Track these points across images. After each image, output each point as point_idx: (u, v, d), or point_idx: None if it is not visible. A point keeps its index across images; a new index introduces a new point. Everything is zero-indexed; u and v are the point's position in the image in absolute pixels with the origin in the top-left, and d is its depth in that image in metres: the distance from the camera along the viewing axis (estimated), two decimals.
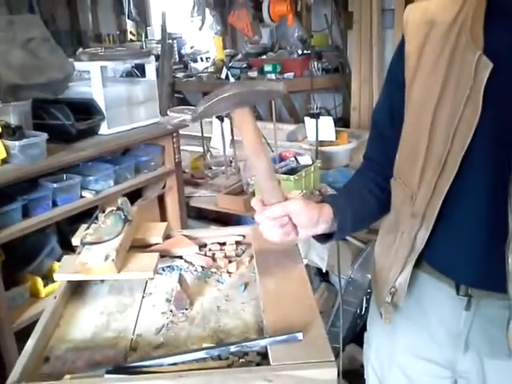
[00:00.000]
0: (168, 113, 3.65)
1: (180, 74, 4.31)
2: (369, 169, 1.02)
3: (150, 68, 2.16)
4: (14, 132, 1.58)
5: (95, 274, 0.89)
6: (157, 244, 1.03)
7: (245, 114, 0.81)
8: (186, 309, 0.86)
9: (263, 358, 0.71)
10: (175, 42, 4.58)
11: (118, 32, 5.58)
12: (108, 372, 0.68)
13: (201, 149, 2.59)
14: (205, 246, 1.06)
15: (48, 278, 1.76)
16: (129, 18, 5.31)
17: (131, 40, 5.31)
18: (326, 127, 2.29)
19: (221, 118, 2.33)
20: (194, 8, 4.13)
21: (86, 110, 1.89)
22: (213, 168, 2.48)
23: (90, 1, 5.66)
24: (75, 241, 1.00)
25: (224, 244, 1.06)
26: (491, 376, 0.87)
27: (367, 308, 2.06)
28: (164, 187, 2.20)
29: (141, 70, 3.11)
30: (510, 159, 0.74)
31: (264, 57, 4.08)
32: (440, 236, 0.85)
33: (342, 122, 3.88)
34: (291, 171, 2.02)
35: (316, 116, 2.27)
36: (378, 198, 0.97)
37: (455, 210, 0.82)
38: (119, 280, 0.94)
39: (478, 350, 0.87)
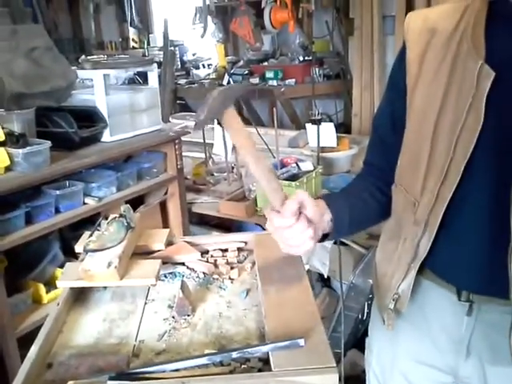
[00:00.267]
0: (170, 119, 3.67)
1: (182, 81, 4.33)
2: (369, 174, 1.03)
3: (153, 76, 2.18)
4: (17, 140, 1.59)
5: (98, 281, 0.90)
6: (159, 251, 1.03)
7: (232, 114, 0.82)
8: (188, 315, 0.86)
9: (265, 364, 0.71)
10: (177, 49, 4.61)
11: (120, 39, 5.61)
12: (111, 378, 0.68)
13: (203, 155, 2.60)
14: (207, 252, 1.07)
15: (50, 285, 1.76)
16: (131, 26, 5.35)
17: (133, 47, 5.34)
18: (327, 133, 2.30)
19: (223, 125, 2.33)
20: (196, 15, 4.16)
21: (88, 117, 1.91)
22: (215, 174, 2.49)
23: (92, 8, 5.70)
24: (78, 248, 1.01)
25: (226, 250, 1.07)
26: (493, 382, 0.87)
27: (369, 313, 2.06)
28: (166, 193, 2.21)
29: (143, 76, 3.12)
30: (511, 165, 0.75)
31: (265, 63, 4.10)
32: (442, 243, 0.85)
33: (343, 127, 3.89)
34: (293, 177, 2.02)
35: (317, 122, 2.28)
36: (379, 201, 0.98)
37: (457, 217, 0.83)
38: (122, 287, 0.95)
39: (479, 356, 0.87)
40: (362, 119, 3.71)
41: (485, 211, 0.80)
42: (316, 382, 0.66)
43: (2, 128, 1.61)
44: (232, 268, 1.00)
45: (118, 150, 1.92)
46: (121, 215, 1.01)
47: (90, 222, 1.88)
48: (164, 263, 1.00)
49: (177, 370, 0.70)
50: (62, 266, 1.81)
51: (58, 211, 1.73)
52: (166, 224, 2.28)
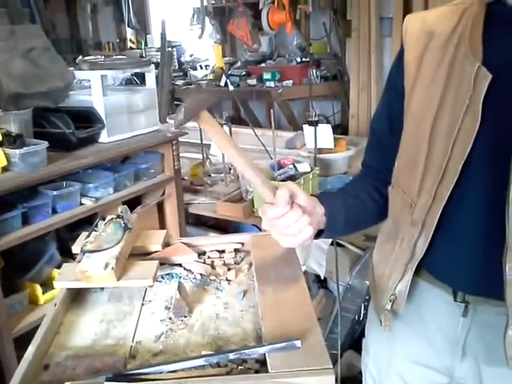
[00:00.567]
0: (167, 120, 3.67)
1: (179, 82, 4.33)
2: (367, 175, 1.03)
3: (150, 76, 2.18)
4: (14, 140, 1.59)
5: (95, 282, 0.90)
6: (156, 252, 1.03)
7: (207, 116, 0.84)
8: (185, 316, 0.86)
9: (262, 365, 0.71)
10: (175, 49, 4.60)
11: (117, 40, 5.60)
12: (108, 379, 0.68)
13: (200, 156, 2.60)
14: (204, 253, 1.07)
15: (47, 285, 1.76)
16: (129, 26, 5.35)
17: (131, 48, 5.34)
18: (324, 135, 2.31)
19: (220, 126, 2.34)
20: (194, 16, 4.16)
21: (86, 118, 1.91)
22: (212, 175, 2.49)
23: (90, 9, 5.69)
24: (75, 249, 1.01)
25: (223, 252, 1.07)
26: (488, 383, 0.87)
27: (365, 314, 2.06)
28: (163, 194, 2.22)
29: (140, 77, 3.13)
30: (508, 168, 0.75)
31: (263, 65, 4.11)
32: (439, 244, 0.86)
33: (341, 128, 3.89)
34: (290, 178, 2.03)
35: (315, 124, 2.28)
36: (376, 202, 0.98)
37: (454, 219, 0.83)
38: (119, 288, 0.95)
39: (475, 357, 0.87)
40: (360, 120, 3.72)
41: (481, 212, 0.81)
42: (313, 383, 0.66)
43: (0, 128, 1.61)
44: (229, 269, 1.00)
45: (115, 151, 1.92)
46: (118, 216, 1.01)
47: (86, 222, 1.88)
48: (161, 264, 1.00)
49: (174, 371, 0.71)
50: (58, 267, 1.81)
51: (54, 212, 1.73)
52: (162, 225, 2.28)
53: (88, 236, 0.98)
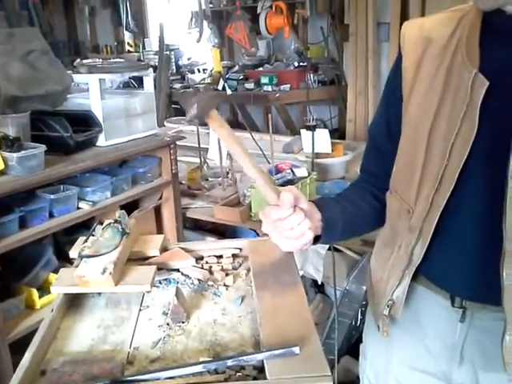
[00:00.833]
0: (165, 123, 3.67)
1: (177, 85, 4.34)
2: (365, 181, 1.03)
3: (148, 80, 2.18)
4: (12, 143, 1.59)
5: (92, 287, 0.89)
6: (154, 257, 1.03)
7: (216, 115, 0.84)
8: (183, 322, 0.86)
9: (260, 371, 0.71)
10: (173, 53, 4.61)
11: (115, 43, 5.61)
12: None
13: (197, 160, 2.60)
14: (201, 258, 1.06)
15: (43, 290, 1.76)
16: (127, 29, 5.36)
17: (129, 51, 5.35)
18: (322, 139, 2.31)
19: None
20: (192, 20, 4.17)
21: (84, 121, 1.91)
22: (209, 179, 2.49)
23: (88, 12, 5.70)
24: (73, 253, 1.00)
25: (221, 257, 1.06)
26: None
27: (362, 320, 2.06)
28: (161, 198, 2.21)
29: (138, 80, 3.13)
30: (505, 175, 0.75)
31: (261, 69, 4.12)
32: (436, 250, 0.86)
33: (338, 133, 3.91)
34: (287, 183, 2.03)
35: (312, 128, 2.28)
36: (374, 207, 0.98)
37: (451, 225, 0.84)
38: (116, 293, 0.94)
39: (472, 362, 0.87)
40: (357, 125, 3.73)
41: (478, 218, 0.81)
42: None
43: None
44: (227, 275, 1.00)
45: (113, 155, 1.91)
46: (116, 221, 1.01)
47: (84, 226, 1.88)
48: (159, 269, 0.99)
49: (171, 378, 0.70)
50: (55, 271, 1.80)
51: (52, 215, 1.73)
52: (160, 229, 2.28)
53: (85, 241, 0.98)
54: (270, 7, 3.87)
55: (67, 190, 1.76)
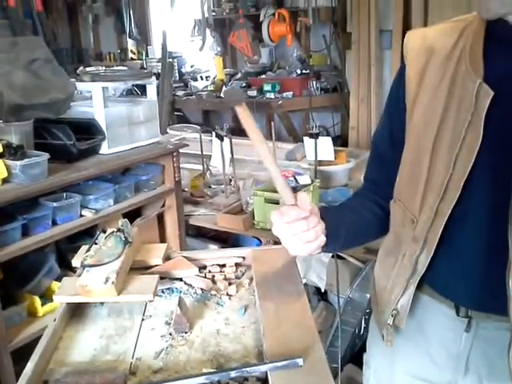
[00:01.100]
0: (168, 131, 3.67)
1: (180, 93, 4.35)
2: (368, 189, 1.03)
3: (151, 88, 2.19)
4: (15, 151, 1.59)
5: (95, 297, 0.89)
6: (157, 266, 1.03)
7: (245, 107, 0.82)
8: (186, 332, 0.86)
9: (263, 383, 0.71)
10: (175, 60, 4.63)
11: (118, 50, 5.63)
12: None
13: (200, 167, 2.60)
14: (204, 267, 1.06)
15: (46, 298, 1.75)
16: (130, 37, 5.37)
17: (132, 58, 5.36)
18: (324, 147, 2.31)
19: (220, 138, 2.35)
20: (195, 28, 4.19)
21: (87, 129, 1.91)
22: (212, 186, 2.48)
23: (91, 19, 5.73)
24: (75, 262, 1.00)
25: (224, 266, 1.06)
26: None
27: (366, 328, 2.05)
28: (163, 206, 2.21)
29: (141, 87, 3.14)
30: (510, 184, 0.75)
31: (263, 76, 4.13)
32: (441, 259, 0.86)
33: (341, 140, 3.91)
34: None
35: (315, 136, 2.29)
36: (378, 216, 0.98)
37: (456, 234, 0.83)
38: (119, 302, 0.94)
39: (478, 373, 0.87)
40: (359, 132, 3.73)
41: (484, 228, 0.81)
42: None
43: (0, 140, 1.61)
44: (230, 284, 1.00)
45: (115, 163, 1.92)
46: (118, 229, 1.01)
47: (86, 234, 1.87)
48: (161, 278, 0.99)
49: None
50: (57, 279, 1.80)
51: (54, 223, 1.73)
52: (162, 236, 2.28)
53: (88, 250, 0.98)
54: (273, 15, 3.89)
55: (70, 198, 1.76)
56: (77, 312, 0.95)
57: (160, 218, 2.26)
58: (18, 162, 1.57)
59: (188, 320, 0.86)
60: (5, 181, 1.60)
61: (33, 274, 1.75)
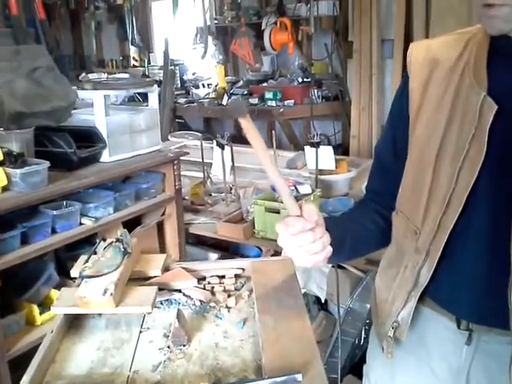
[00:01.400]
0: (169, 138, 3.68)
1: (182, 100, 4.36)
2: (371, 200, 1.03)
3: (153, 97, 2.19)
4: (15, 159, 1.59)
5: (93, 308, 0.89)
6: (155, 277, 1.02)
7: (249, 119, 0.82)
8: (184, 345, 0.85)
9: None
10: (177, 68, 4.65)
11: (121, 57, 5.66)
12: None
13: (201, 174, 2.60)
14: (204, 279, 1.05)
15: (44, 306, 1.74)
16: (132, 44, 5.40)
17: (134, 66, 5.39)
18: (325, 156, 2.31)
19: (221, 146, 2.35)
20: (197, 36, 4.21)
21: (88, 137, 1.91)
22: (213, 195, 2.48)
23: (94, 26, 5.76)
24: (74, 272, 0.99)
25: (223, 277, 1.05)
26: None
27: (366, 338, 2.04)
28: (163, 214, 2.20)
29: (143, 94, 3.15)
30: None
31: (265, 84, 4.14)
32: (443, 272, 0.85)
33: (342, 148, 3.91)
34: None
35: (316, 145, 2.28)
36: (380, 227, 0.98)
37: (459, 247, 0.83)
38: (117, 314, 0.93)
39: None
40: (361, 141, 3.74)
41: (486, 242, 0.81)
42: None
43: (1, 148, 1.61)
44: (229, 296, 0.99)
45: (116, 171, 1.91)
46: (117, 240, 1.00)
47: (86, 242, 1.87)
48: (160, 290, 0.98)
49: None
50: (56, 287, 1.79)
51: (54, 231, 1.73)
52: (162, 245, 2.27)
53: (87, 260, 0.97)
54: (275, 23, 3.91)
55: (70, 206, 1.76)
56: (75, 323, 0.94)
57: (160, 227, 2.25)
58: (18, 170, 1.56)
59: (186, 333, 0.86)
60: (5, 189, 1.59)
61: (31, 283, 1.74)
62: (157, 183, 2.14)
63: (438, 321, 0.89)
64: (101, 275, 0.91)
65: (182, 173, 2.30)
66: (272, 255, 2.23)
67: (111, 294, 0.87)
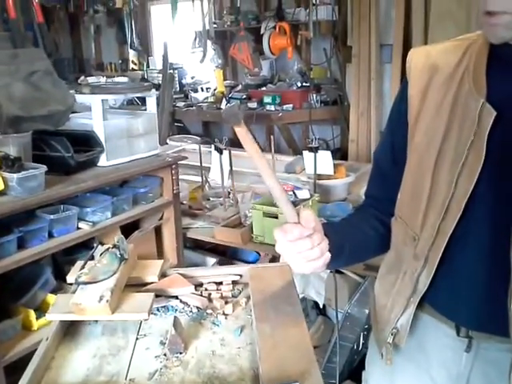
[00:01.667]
0: (168, 141, 3.67)
1: (180, 104, 4.36)
2: (370, 205, 1.03)
3: (151, 101, 2.18)
4: (13, 163, 1.58)
5: (89, 315, 0.88)
6: (152, 283, 1.02)
7: (243, 126, 0.81)
8: (181, 353, 0.84)
9: None
10: (176, 72, 4.64)
11: (120, 61, 5.66)
12: None
13: (199, 178, 2.59)
14: (201, 285, 1.05)
15: (41, 311, 1.73)
16: (131, 48, 5.40)
17: (133, 69, 5.38)
18: (324, 161, 2.30)
19: (220, 150, 2.34)
20: (196, 40, 4.21)
21: (85, 141, 1.90)
22: (211, 199, 2.47)
23: (93, 30, 5.76)
24: (70, 278, 0.99)
25: (221, 283, 1.05)
26: None
27: (364, 344, 2.03)
28: (161, 218, 2.20)
29: (142, 98, 3.14)
30: None
31: (264, 88, 4.14)
32: (442, 278, 0.85)
33: (340, 152, 3.91)
34: None
35: (314, 150, 2.28)
36: (379, 232, 0.97)
37: (458, 253, 0.83)
38: (113, 320, 0.93)
39: None
40: (359, 145, 3.74)
41: (485, 248, 0.80)
42: None
43: None
44: (226, 302, 0.98)
45: (114, 175, 1.90)
46: (114, 246, 1.00)
47: (83, 246, 1.86)
48: (157, 296, 0.98)
49: None
50: (53, 292, 1.78)
51: (51, 236, 1.71)
52: (160, 249, 2.26)
53: (83, 266, 0.97)
54: (274, 28, 3.91)
55: (67, 211, 1.75)
56: (70, 330, 0.94)
57: (158, 231, 2.24)
58: (15, 175, 1.55)
59: (183, 340, 0.85)
60: (1, 193, 1.58)
61: (28, 287, 1.73)
62: (155, 187, 2.13)
63: (438, 327, 0.89)
64: (97, 282, 0.90)
65: (181, 177, 2.29)
66: (270, 260, 2.22)
67: (107, 301, 0.86)
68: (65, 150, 1.77)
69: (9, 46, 1.72)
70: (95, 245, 1.07)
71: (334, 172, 2.35)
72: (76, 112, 2.11)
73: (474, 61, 0.81)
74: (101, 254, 0.99)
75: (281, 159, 2.95)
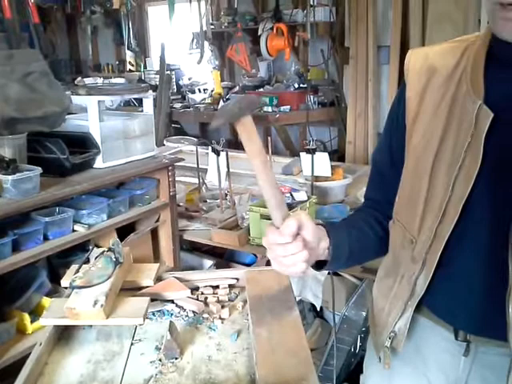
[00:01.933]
0: (165, 143, 3.66)
1: (177, 105, 4.35)
2: (369, 207, 1.02)
3: (148, 102, 2.17)
4: (7, 165, 1.57)
5: (83, 320, 0.87)
6: (148, 287, 1.00)
7: (249, 121, 0.80)
8: (176, 358, 0.83)
9: None
10: (173, 73, 4.63)
11: (117, 62, 5.65)
12: None
13: (196, 180, 2.58)
14: (197, 289, 1.04)
15: (36, 314, 1.71)
16: (128, 49, 5.39)
17: (130, 70, 5.37)
18: (321, 163, 2.29)
19: (217, 152, 2.33)
20: (193, 41, 4.20)
21: (81, 143, 1.89)
22: (208, 201, 2.46)
23: (90, 30, 5.75)
24: (64, 282, 0.98)
25: (217, 287, 1.04)
26: None
27: (361, 346, 2.02)
28: (158, 221, 2.18)
29: (139, 99, 3.13)
30: (509, 207, 0.74)
31: (261, 90, 4.13)
32: (440, 281, 0.84)
33: (337, 154, 3.91)
34: (287, 207, 2.00)
35: (312, 152, 2.27)
36: (378, 234, 0.97)
37: (456, 257, 0.82)
38: (108, 325, 0.91)
39: None
40: (356, 147, 3.73)
41: (483, 251, 0.80)
42: None
43: None
44: (223, 307, 0.97)
45: (110, 177, 1.89)
46: (109, 249, 0.99)
47: (79, 249, 1.84)
48: (152, 300, 0.97)
49: None
50: (48, 294, 1.76)
51: (46, 238, 1.70)
52: (156, 251, 2.24)
53: (78, 270, 0.96)
54: (271, 29, 3.90)
55: (62, 213, 1.73)
56: (64, 334, 0.93)
57: (154, 233, 2.23)
58: (10, 177, 1.54)
59: (178, 345, 0.84)
60: None
61: (23, 290, 1.71)
62: (151, 189, 2.11)
63: (436, 331, 0.88)
64: (91, 286, 0.89)
65: (177, 178, 2.28)
66: (267, 262, 2.21)
67: (101, 306, 0.85)
68: (60, 152, 1.76)
69: (4, 47, 1.71)
70: (91, 247, 1.05)
71: (332, 174, 2.35)
72: (72, 113, 2.09)
73: (472, 62, 0.81)
74: (96, 258, 0.98)
75: (278, 161, 2.95)
